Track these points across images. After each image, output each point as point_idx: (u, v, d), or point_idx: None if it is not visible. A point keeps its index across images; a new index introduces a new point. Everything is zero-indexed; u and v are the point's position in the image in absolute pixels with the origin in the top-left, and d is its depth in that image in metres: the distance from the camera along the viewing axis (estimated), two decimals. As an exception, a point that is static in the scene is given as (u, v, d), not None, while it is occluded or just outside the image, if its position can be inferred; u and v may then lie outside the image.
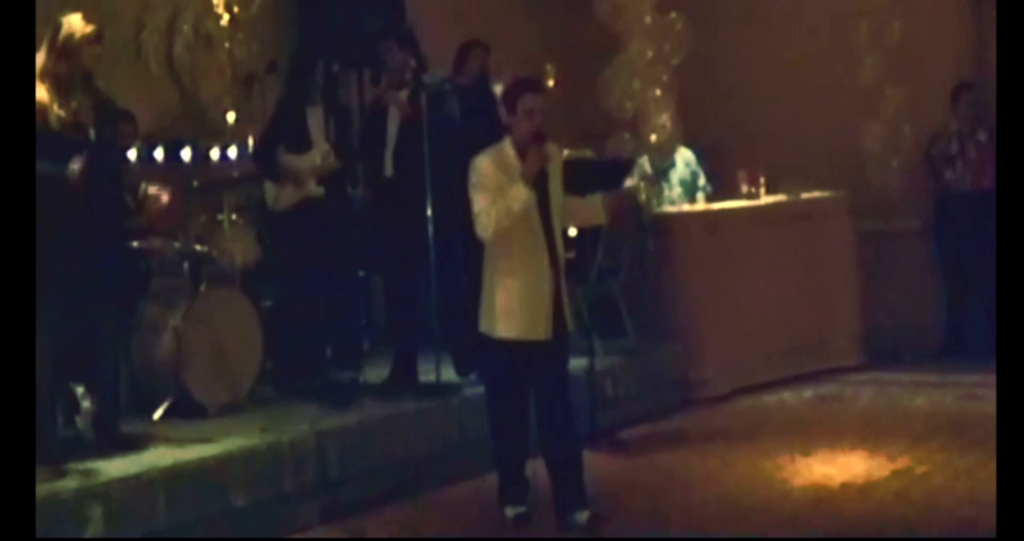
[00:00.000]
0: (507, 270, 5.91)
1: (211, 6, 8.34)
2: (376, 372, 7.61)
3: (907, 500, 6.34)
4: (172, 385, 6.80)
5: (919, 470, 6.85)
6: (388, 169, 7.42)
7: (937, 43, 9.87)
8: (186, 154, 7.92)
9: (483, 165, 5.91)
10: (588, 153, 8.73)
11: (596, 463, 6.64)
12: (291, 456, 6.23)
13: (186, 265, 7.18)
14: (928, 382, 9.01)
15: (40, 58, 5.80)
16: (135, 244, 7.03)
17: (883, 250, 9.84)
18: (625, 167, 8.75)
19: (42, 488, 5.25)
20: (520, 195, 5.79)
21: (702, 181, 9.66)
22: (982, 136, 9.46)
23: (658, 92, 9.39)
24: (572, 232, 6.14)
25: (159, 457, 5.94)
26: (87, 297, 5.91)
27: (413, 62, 7.42)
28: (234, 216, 7.46)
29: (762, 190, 9.54)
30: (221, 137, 8.14)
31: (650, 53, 9.38)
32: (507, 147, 5.96)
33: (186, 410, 6.76)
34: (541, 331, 5.89)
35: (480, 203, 5.85)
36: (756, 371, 9.06)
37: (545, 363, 5.98)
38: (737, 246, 9.08)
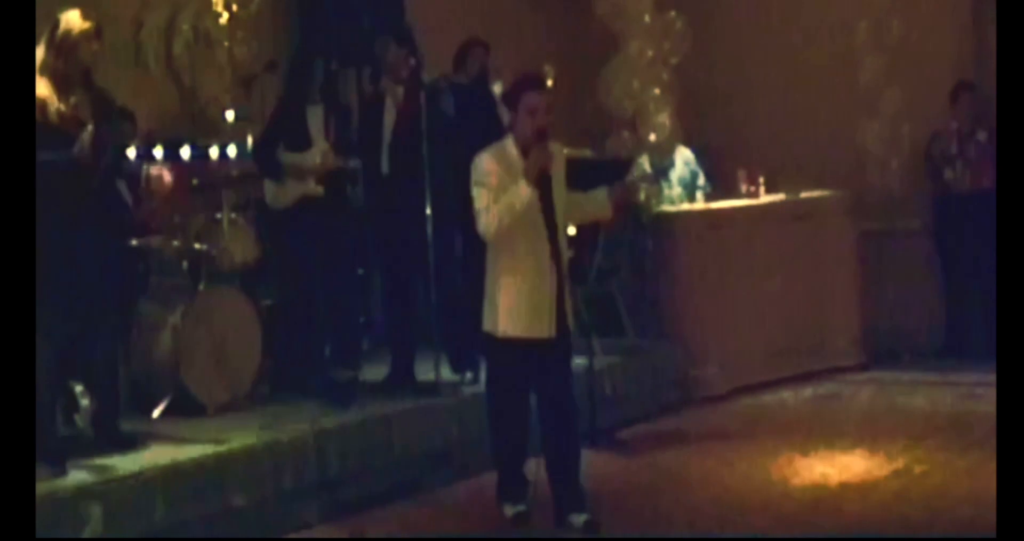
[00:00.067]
0: (510, 268, 5.90)
1: (210, 5, 8.34)
2: (375, 371, 7.61)
3: (906, 499, 6.34)
4: (171, 384, 6.80)
5: (918, 470, 6.85)
6: (384, 167, 7.42)
7: (936, 43, 9.86)
8: (185, 153, 7.91)
9: (485, 163, 5.90)
10: (587, 152, 8.73)
11: (595, 462, 6.64)
12: (290, 455, 6.23)
13: (185, 264, 7.18)
14: (927, 382, 9.01)
15: (39, 54, 5.81)
16: (134, 243, 7.04)
17: (882, 250, 9.84)
18: (624, 166, 8.74)
19: (41, 486, 5.25)
20: (522, 193, 5.78)
21: (701, 180, 9.65)
22: (982, 136, 9.46)
23: (657, 91, 9.39)
24: (571, 231, 6.14)
25: (158, 456, 5.93)
26: (86, 296, 5.91)
27: (412, 60, 7.42)
28: (233, 215, 7.45)
29: (761, 189, 9.54)
30: (220, 136, 8.13)
31: (649, 52, 9.38)
32: (509, 145, 5.95)
33: (185, 409, 6.76)
34: (544, 329, 5.87)
35: (482, 201, 5.84)
36: (755, 370, 9.05)
37: (548, 361, 5.97)
38: (736, 246, 9.08)
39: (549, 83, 8.85)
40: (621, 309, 8.65)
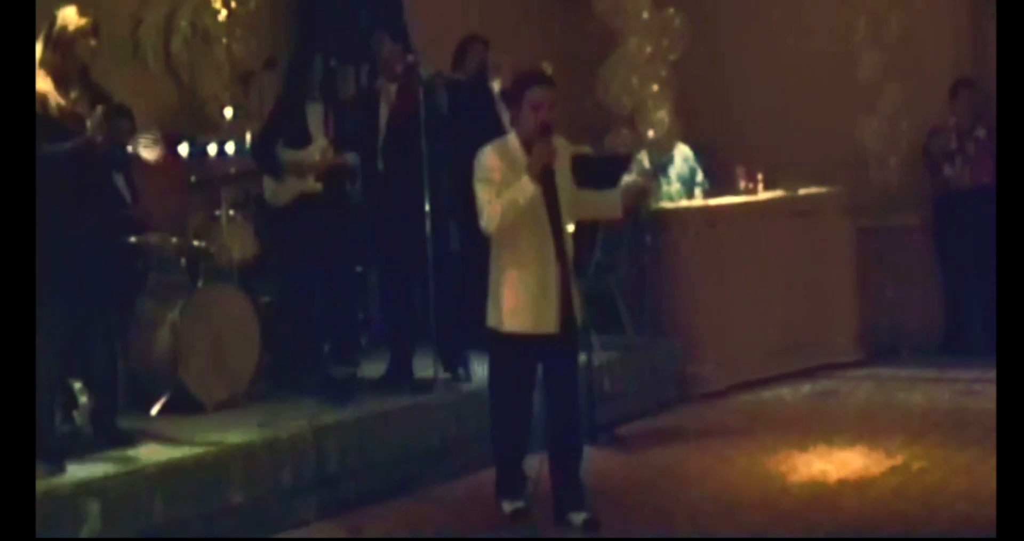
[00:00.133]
0: (513, 264, 5.89)
1: (209, 2, 8.34)
2: (373, 368, 7.61)
3: (905, 496, 6.35)
4: (170, 381, 6.80)
5: (917, 466, 6.85)
6: (379, 164, 7.42)
7: (935, 39, 9.86)
8: (184, 150, 7.92)
9: (488, 158, 5.88)
10: (587, 149, 8.72)
11: (594, 459, 6.63)
12: (289, 452, 6.22)
13: (183, 261, 7.17)
14: (926, 378, 9.01)
15: (38, 50, 5.82)
16: (133, 240, 7.03)
17: (881, 246, 9.84)
18: (623, 163, 8.75)
19: (40, 484, 5.24)
20: (526, 188, 5.77)
21: (700, 177, 9.65)
22: (981, 132, 9.46)
23: (656, 88, 9.40)
24: (570, 228, 6.14)
25: (157, 453, 5.93)
26: (85, 293, 5.91)
27: (411, 57, 7.42)
28: (232, 212, 7.45)
29: (760, 186, 9.54)
30: (219, 133, 8.13)
31: (648, 49, 9.38)
32: (512, 140, 5.94)
33: (184, 406, 6.75)
34: (548, 325, 5.86)
35: (485, 196, 5.83)
36: (754, 367, 9.06)
37: (553, 357, 5.96)
38: (735, 242, 9.08)
39: (548, 79, 8.86)
40: (619, 305, 8.65)
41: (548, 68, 8.22)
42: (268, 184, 7.43)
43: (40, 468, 5.33)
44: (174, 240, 7.16)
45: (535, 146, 5.81)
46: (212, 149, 8.04)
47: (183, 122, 8.18)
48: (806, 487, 6.57)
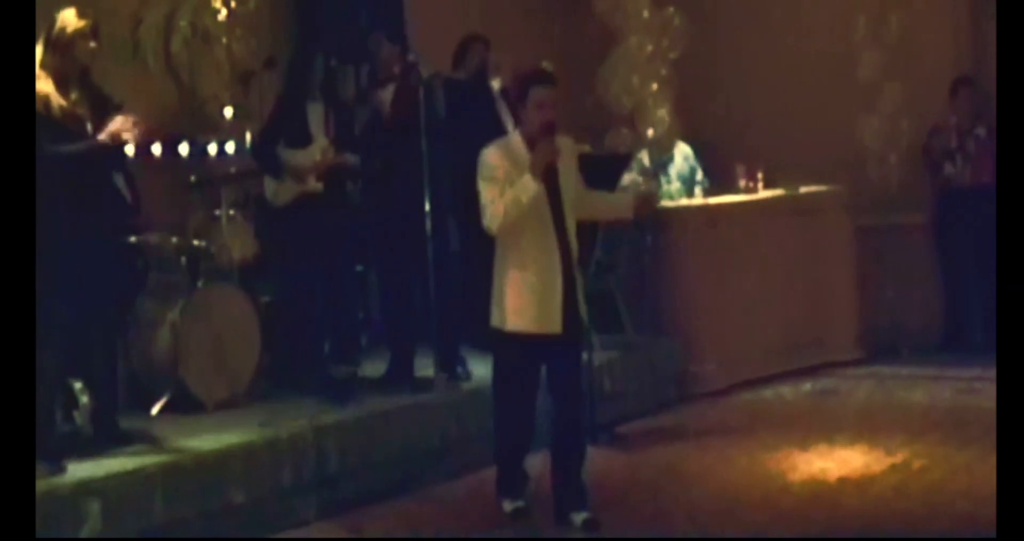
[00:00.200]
0: (517, 263, 5.88)
1: (209, 1, 8.32)
2: (374, 367, 7.61)
3: (905, 494, 6.35)
4: (170, 381, 6.80)
5: (917, 464, 6.85)
6: (378, 163, 7.42)
7: (935, 38, 9.86)
8: (184, 150, 7.92)
9: (492, 157, 5.87)
10: (587, 148, 8.71)
11: (594, 458, 6.62)
12: (289, 451, 6.22)
13: (184, 260, 7.17)
14: (926, 376, 9.02)
15: (39, 52, 5.83)
16: (133, 240, 7.03)
17: (881, 245, 9.84)
18: (623, 162, 8.74)
19: (40, 483, 5.24)
20: (528, 187, 5.75)
21: (700, 176, 9.65)
22: (981, 131, 9.45)
23: (656, 87, 9.39)
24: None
25: (157, 453, 5.93)
26: (86, 293, 5.91)
27: (412, 56, 7.42)
28: (232, 211, 7.45)
29: (760, 185, 9.54)
30: (219, 133, 8.13)
31: (648, 48, 9.37)
32: (516, 139, 5.94)
33: (184, 406, 6.76)
34: (552, 325, 5.85)
35: (488, 195, 5.82)
36: (754, 366, 9.05)
37: (556, 357, 5.95)
38: (735, 241, 9.08)
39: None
40: (620, 305, 8.64)
41: (548, 66, 8.24)
42: (269, 184, 7.43)
43: (40, 468, 5.33)
44: (174, 240, 7.16)
45: (538, 145, 5.81)
46: (212, 149, 8.04)
47: (183, 122, 8.16)
48: (807, 486, 6.57)
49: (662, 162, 9.57)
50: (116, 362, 6.38)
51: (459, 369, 7.44)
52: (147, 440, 6.15)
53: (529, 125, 5.89)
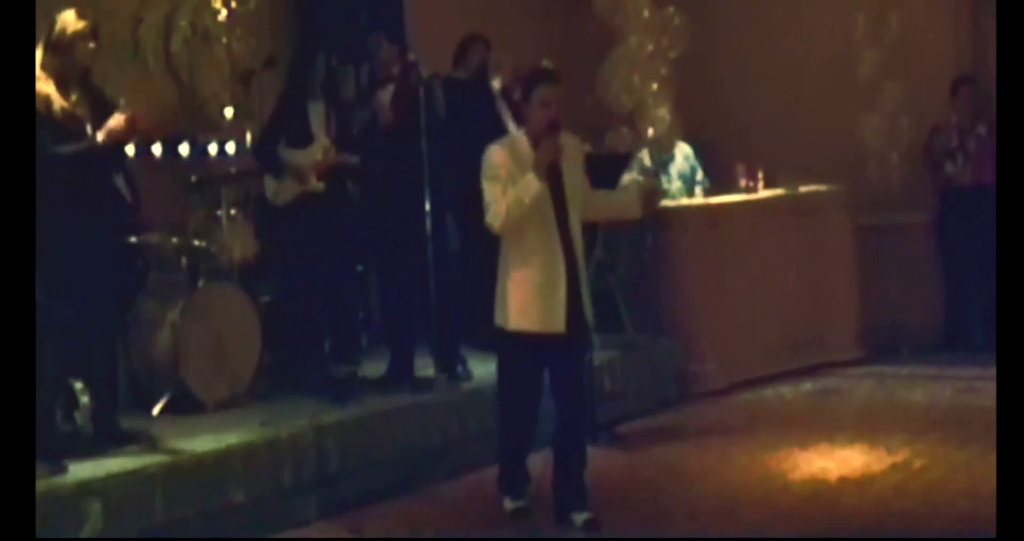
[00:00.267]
0: (520, 262, 5.86)
1: (209, 1, 8.33)
2: (374, 367, 7.61)
3: (905, 494, 6.35)
4: (170, 381, 6.80)
5: (917, 464, 6.85)
6: (377, 163, 7.42)
7: (935, 37, 9.86)
8: (184, 149, 7.92)
9: (495, 155, 5.86)
10: (587, 147, 8.70)
11: (594, 457, 6.62)
12: (289, 451, 6.22)
13: (184, 260, 7.17)
14: (927, 375, 9.01)
15: (39, 53, 5.83)
16: (133, 240, 7.03)
17: (882, 244, 9.84)
18: (623, 161, 8.74)
19: (41, 484, 5.25)
20: (531, 186, 5.73)
21: (700, 175, 9.65)
22: (982, 130, 9.45)
23: (656, 86, 9.39)
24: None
25: (157, 453, 5.93)
26: (86, 293, 5.91)
27: (411, 55, 7.42)
28: (232, 211, 7.45)
29: (760, 184, 9.53)
30: (219, 132, 8.13)
31: (649, 47, 9.37)
32: (521, 138, 5.92)
33: (184, 405, 6.76)
34: (555, 324, 5.84)
35: (491, 194, 5.80)
36: (754, 365, 9.05)
37: (559, 357, 5.94)
38: (735, 240, 9.08)
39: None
40: (620, 304, 8.64)
41: (549, 66, 8.25)
42: (270, 183, 7.43)
43: (41, 468, 5.33)
44: (174, 240, 7.16)
45: (541, 143, 5.80)
46: (212, 149, 8.04)
47: (183, 122, 8.17)
48: (807, 485, 6.57)
49: (662, 161, 9.57)
50: (116, 362, 6.38)
51: (459, 369, 7.44)
52: (147, 440, 6.15)
53: (534, 124, 5.88)
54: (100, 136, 5.81)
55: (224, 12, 8.35)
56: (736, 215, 9.24)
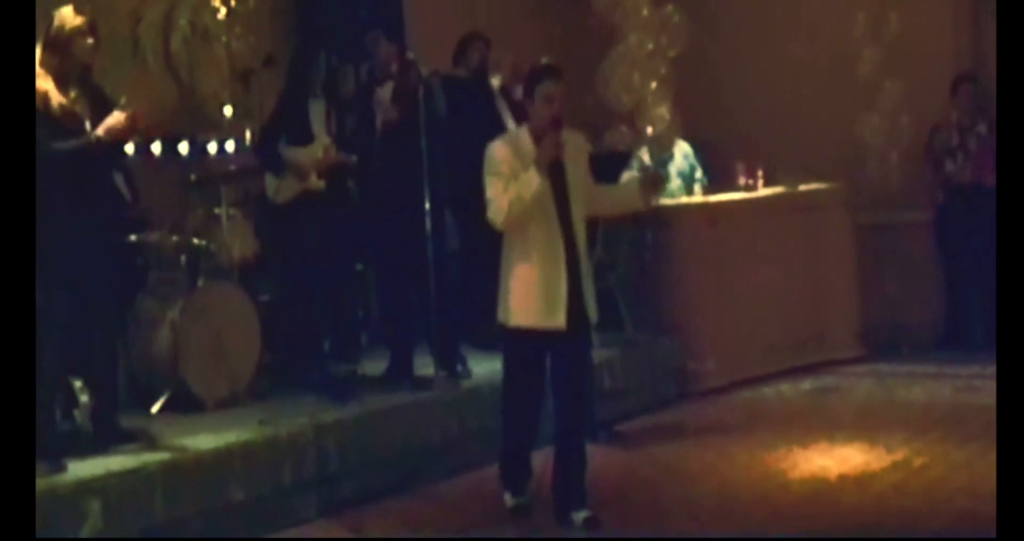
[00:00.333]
0: (522, 258, 5.85)
1: (208, 0, 8.33)
2: (374, 366, 7.61)
3: (905, 492, 6.35)
4: (170, 379, 6.80)
5: (917, 462, 6.85)
6: (376, 162, 7.42)
7: (935, 35, 9.85)
8: (183, 148, 7.92)
9: (498, 152, 5.85)
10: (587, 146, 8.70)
11: (594, 456, 6.62)
12: (289, 450, 6.23)
13: (184, 259, 7.17)
14: (926, 374, 9.01)
15: (39, 51, 5.83)
16: (133, 238, 7.03)
17: (881, 242, 9.84)
18: (622, 160, 8.73)
19: (41, 482, 5.25)
20: (532, 182, 5.72)
21: (699, 174, 9.65)
22: (982, 128, 9.45)
23: (655, 85, 9.38)
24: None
25: (157, 451, 5.93)
26: (85, 292, 5.91)
27: (411, 54, 7.42)
28: (232, 210, 7.45)
29: (760, 183, 9.53)
30: (218, 131, 8.13)
31: (648, 46, 9.37)
32: (524, 134, 5.91)
33: (184, 404, 6.76)
34: (556, 320, 5.82)
35: (493, 189, 5.79)
36: (754, 363, 9.05)
37: (560, 354, 5.94)
38: (735, 239, 9.08)
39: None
40: (620, 302, 8.64)
41: (548, 62, 8.25)
42: (270, 181, 7.43)
43: (40, 467, 5.33)
44: (174, 239, 7.16)
45: (543, 139, 5.79)
46: (212, 147, 8.03)
47: (183, 120, 8.17)
48: (807, 483, 6.57)
49: (662, 160, 9.56)
50: (116, 361, 6.38)
51: (459, 367, 7.44)
52: (147, 439, 6.15)
53: (538, 119, 5.87)
54: (99, 132, 5.80)
55: (224, 10, 8.36)
56: (736, 214, 9.24)
